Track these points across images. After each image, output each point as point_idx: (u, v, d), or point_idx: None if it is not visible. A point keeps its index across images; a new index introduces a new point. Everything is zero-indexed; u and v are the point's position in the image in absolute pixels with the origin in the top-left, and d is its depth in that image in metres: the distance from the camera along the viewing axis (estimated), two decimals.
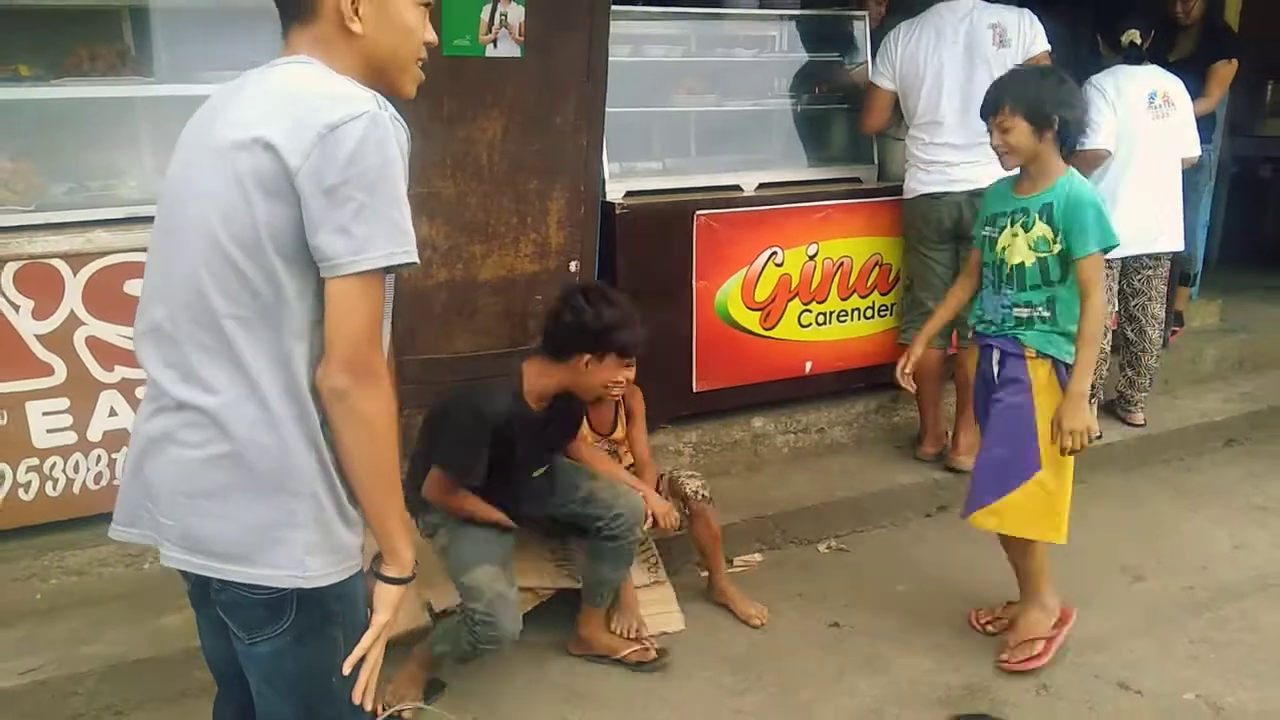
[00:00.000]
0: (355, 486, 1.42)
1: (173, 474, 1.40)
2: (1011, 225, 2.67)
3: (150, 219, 2.95)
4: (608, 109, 3.35)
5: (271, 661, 1.47)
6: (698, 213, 3.61)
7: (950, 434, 3.91)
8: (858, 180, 4.10)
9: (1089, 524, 3.71)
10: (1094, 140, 3.96)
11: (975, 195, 3.66)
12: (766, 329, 3.86)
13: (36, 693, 2.50)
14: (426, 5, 1.50)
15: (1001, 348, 2.73)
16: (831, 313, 3.96)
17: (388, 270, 1.37)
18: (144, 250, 2.82)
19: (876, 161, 4.17)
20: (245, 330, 1.35)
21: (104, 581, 2.86)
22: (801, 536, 3.55)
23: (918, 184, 3.78)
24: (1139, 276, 4.20)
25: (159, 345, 1.42)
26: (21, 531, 2.84)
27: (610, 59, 3.29)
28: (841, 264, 3.95)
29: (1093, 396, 4.20)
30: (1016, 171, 2.73)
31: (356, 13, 1.43)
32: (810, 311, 3.93)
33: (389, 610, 1.48)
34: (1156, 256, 4.17)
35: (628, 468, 3.01)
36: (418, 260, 1.38)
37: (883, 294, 4.08)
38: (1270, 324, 5.45)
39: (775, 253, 3.80)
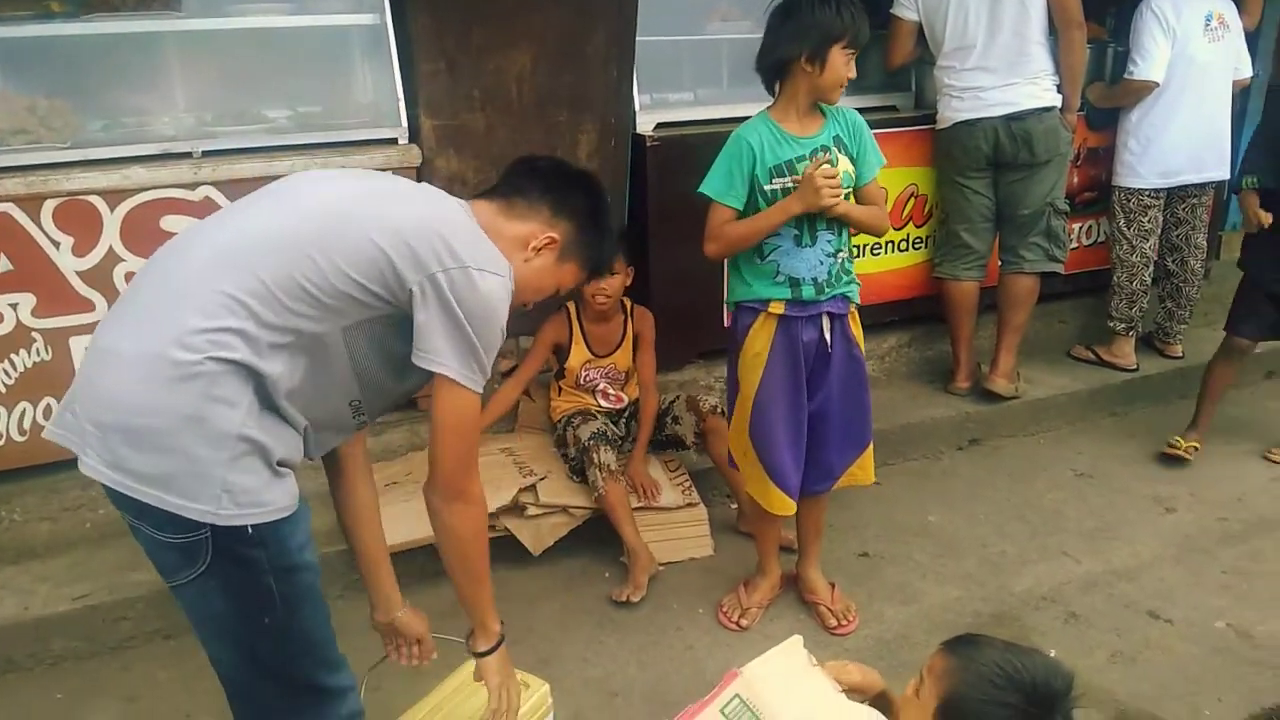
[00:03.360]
0: (449, 571, 1.70)
1: (111, 389, 1.39)
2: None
3: (184, 155, 2.94)
4: (638, 38, 3.30)
5: (197, 605, 1.49)
6: None
7: (986, 365, 3.89)
8: (894, 109, 4.02)
9: (1121, 457, 3.71)
10: (1143, 70, 3.84)
11: (1012, 119, 3.60)
12: None
13: (89, 617, 2.60)
14: (581, 282, 1.85)
15: (832, 310, 2.48)
16: (865, 245, 3.91)
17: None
18: (179, 186, 2.85)
19: (913, 89, 4.08)
20: (251, 316, 1.39)
21: None
22: None
23: (952, 112, 3.70)
24: (1184, 205, 4.11)
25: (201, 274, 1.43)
26: (70, 464, 2.88)
27: None
28: None
29: (1130, 328, 4.15)
30: (764, 109, 2.46)
31: (536, 251, 1.69)
32: None
33: (497, 674, 1.79)
34: (1202, 185, 4.08)
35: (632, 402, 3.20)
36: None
37: (917, 226, 4.03)
38: None
39: None
